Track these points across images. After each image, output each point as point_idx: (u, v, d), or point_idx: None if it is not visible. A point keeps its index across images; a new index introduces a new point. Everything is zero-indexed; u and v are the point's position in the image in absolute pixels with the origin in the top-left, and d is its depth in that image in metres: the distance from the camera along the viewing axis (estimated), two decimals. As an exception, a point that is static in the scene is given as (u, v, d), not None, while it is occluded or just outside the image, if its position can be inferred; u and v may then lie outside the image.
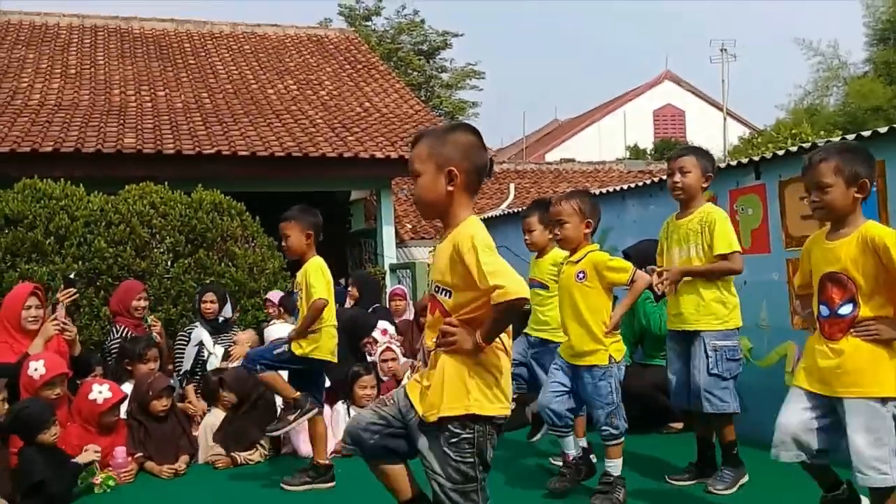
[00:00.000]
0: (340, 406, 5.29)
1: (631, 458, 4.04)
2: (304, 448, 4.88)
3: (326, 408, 5.19)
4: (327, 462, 4.40)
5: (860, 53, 42.33)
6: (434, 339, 2.45)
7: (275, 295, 6.93)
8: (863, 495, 2.99)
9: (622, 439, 3.80)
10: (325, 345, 4.30)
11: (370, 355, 5.85)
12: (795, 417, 2.90)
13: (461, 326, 2.36)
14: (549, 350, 4.35)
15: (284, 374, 4.44)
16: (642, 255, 4.97)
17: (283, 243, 4.49)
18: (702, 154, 4.11)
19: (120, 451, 4.51)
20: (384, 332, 6.04)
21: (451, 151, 2.42)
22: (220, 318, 6.22)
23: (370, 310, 6.74)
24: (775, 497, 3.57)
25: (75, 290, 5.28)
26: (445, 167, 2.40)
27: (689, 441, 4.24)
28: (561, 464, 4.15)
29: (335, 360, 4.39)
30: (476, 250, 2.30)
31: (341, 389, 5.34)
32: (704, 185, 4.02)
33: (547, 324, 4.50)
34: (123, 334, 5.73)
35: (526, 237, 4.70)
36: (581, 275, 3.83)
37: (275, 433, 4.46)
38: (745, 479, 3.94)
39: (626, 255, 5.25)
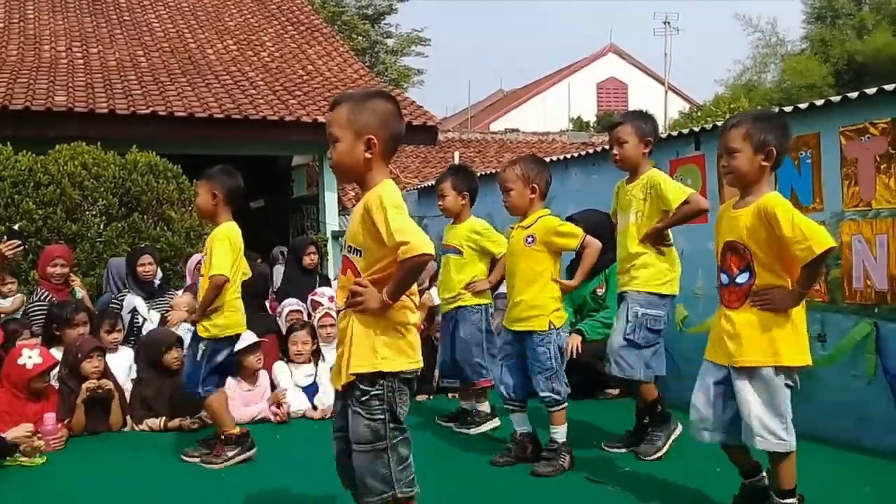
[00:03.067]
0: (279, 365, 5.30)
1: (570, 425, 4.09)
2: (238, 414, 4.83)
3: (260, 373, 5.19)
4: (241, 430, 4.09)
5: (798, 31, 43.38)
6: (344, 300, 2.50)
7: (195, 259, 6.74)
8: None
9: (565, 405, 3.82)
10: (232, 320, 4.01)
11: (309, 319, 5.80)
12: (703, 397, 2.98)
13: (370, 286, 2.41)
14: (465, 314, 4.59)
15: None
16: (589, 224, 5.01)
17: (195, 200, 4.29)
18: (638, 118, 4.07)
19: (49, 418, 4.39)
20: (331, 298, 5.98)
21: (369, 119, 2.48)
22: (156, 282, 6.07)
23: (316, 278, 6.67)
24: (706, 464, 3.65)
25: (20, 242, 5.05)
26: (364, 135, 2.47)
27: (626, 406, 4.32)
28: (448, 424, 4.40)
29: (244, 329, 4.19)
30: (384, 209, 2.37)
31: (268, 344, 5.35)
32: (645, 151, 3.99)
33: (460, 291, 4.61)
34: (44, 298, 5.56)
35: (439, 202, 4.72)
36: (530, 239, 3.84)
37: (210, 466, 4.01)
38: (678, 430, 3.98)
39: (573, 221, 5.28)
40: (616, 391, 5.43)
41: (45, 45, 11.83)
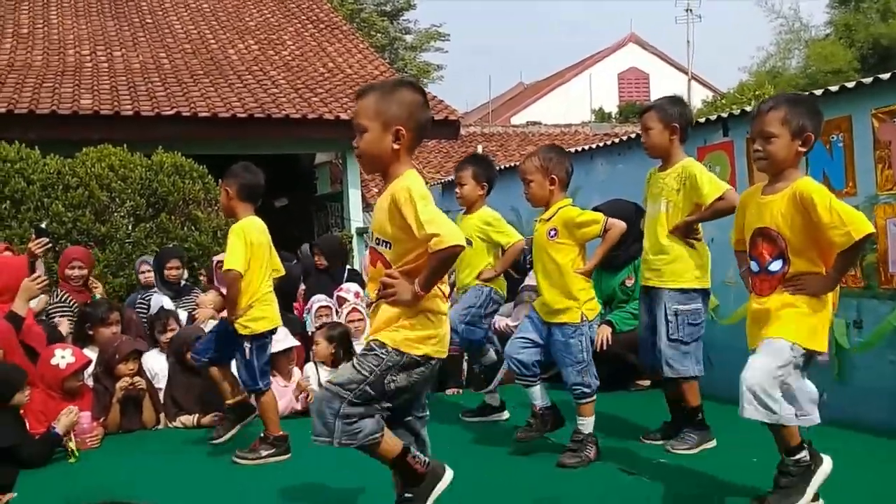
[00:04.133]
0: (308, 367, 5.31)
1: (599, 415, 4.06)
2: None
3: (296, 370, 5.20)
4: (283, 433, 4.09)
5: (821, 16, 42.73)
6: (375, 291, 2.50)
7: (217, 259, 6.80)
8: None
9: (594, 397, 3.79)
10: (266, 314, 4.01)
11: (337, 315, 5.81)
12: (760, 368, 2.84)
13: (401, 278, 2.41)
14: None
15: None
16: (614, 214, 4.97)
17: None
18: (665, 104, 3.97)
19: (85, 417, 4.42)
20: (357, 294, 6.00)
21: (397, 110, 2.47)
22: (182, 281, 6.12)
23: (344, 273, 6.69)
24: (740, 455, 3.60)
25: (48, 241, 5.09)
26: (392, 126, 2.46)
27: (657, 398, 4.27)
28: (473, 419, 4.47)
29: (279, 322, 4.19)
30: (413, 201, 2.37)
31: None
32: (673, 137, 3.88)
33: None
34: (64, 300, 5.59)
35: (457, 190, 4.69)
36: (553, 232, 3.80)
37: (217, 441, 4.16)
38: (712, 444, 3.91)
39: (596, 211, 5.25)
40: (647, 382, 5.39)
41: (69, 49, 11.97)
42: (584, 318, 3.76)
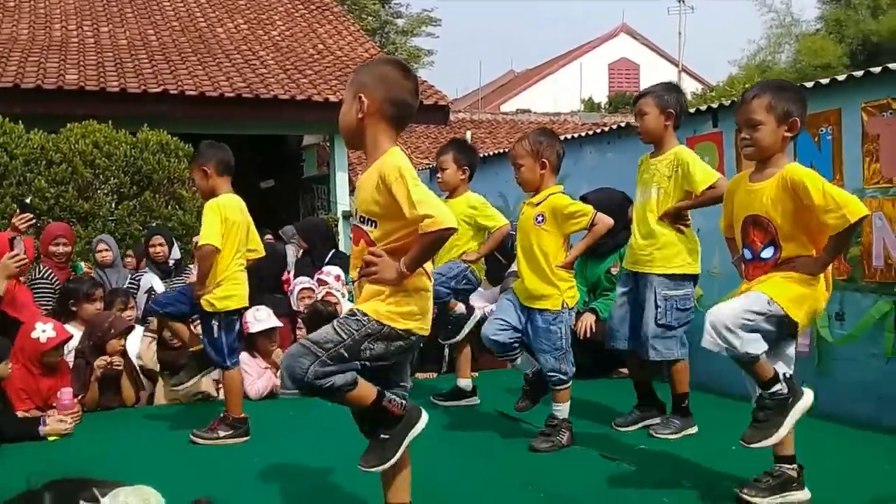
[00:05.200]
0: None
1: (580, 404, 4.08)
2: (251, 391, 4.85)
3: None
4: (242, 416, 4.08)
5: (812, 11, 42.89)
6: (357, 270, 2.46)
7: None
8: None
9: (569, 384, 3.81)
10: (234, 292, 3.98)
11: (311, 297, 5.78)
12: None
13: (384, 256, 2.38)
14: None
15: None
16: (602, 203, 4.96)
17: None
18: (662, 90, 3.95)
19: (66, 393, 4.37)
20: (337, 277, 5.96)
21: (365, 79, 2.47)
22: (171, 261, 6.06)
23: (328, 257, 6.63)
24: (721, 442, 3.61)
25: (32, 216, 5.03)
26: (357, 94, 2.44)
27: (640, 385, 4.27)
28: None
29: (245, 303, 4.14)
30: (404, 180, 2.33)
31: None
32: (668, 123, 3.88)
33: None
34: (46, 276, 5.53)
35: (438, 175, 4.67)
36: (540, 218, 3.78)
37: (180, 387, 4.24)
38: (693, 430, 3.95)
39: (585, 201, 5.23)
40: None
41: (55, 23, 11.81)
42: (565, 306, 3.76)
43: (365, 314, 2.40)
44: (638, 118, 3.96)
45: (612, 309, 4.21)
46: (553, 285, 3.75)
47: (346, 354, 2.37)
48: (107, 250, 6.10)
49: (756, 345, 2.71)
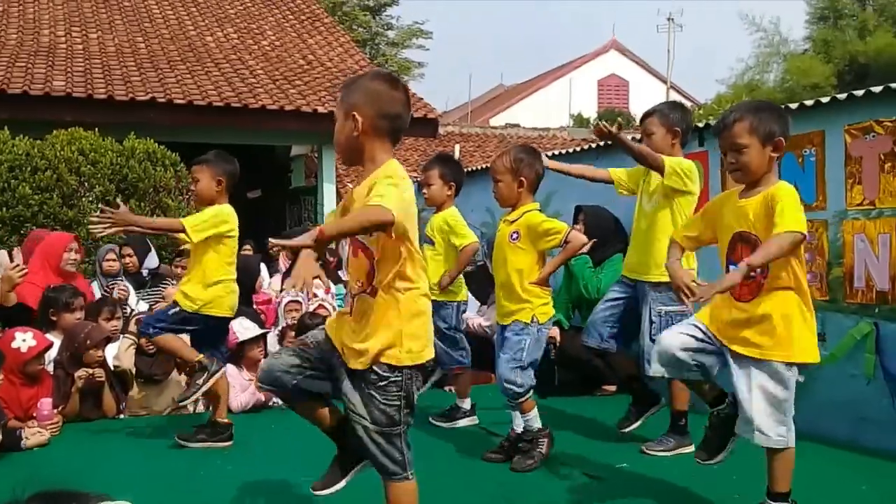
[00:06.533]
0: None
1: (564, 420, 4.07)
2: (234, 403, 4.80)
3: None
4: (226, 421, 4.14)
5: (801, 31, 43.29)
6: (357, 283, 2.46)
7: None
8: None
9: (528, 394, 3.72)
10: (222, 300, 4.04)
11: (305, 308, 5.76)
12: (678, 339, 2.90)
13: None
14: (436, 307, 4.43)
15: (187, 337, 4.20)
16: (594, 217, 5.04)
17: (193, 188, 4.25)
18: (667, 108, 4.05)
19: (46, 403, 4.33)
20: (327, 290, 5.95)
21: (357, 98, 2.47)
22: (145, 272, 6.00)
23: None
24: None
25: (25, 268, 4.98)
26: (350, 112, 2.45)
27: (623, 403, 4.28)
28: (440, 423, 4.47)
29: (230, 314, 4.17)
30: (387, 180, 2.34)
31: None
32: (674, 141, 3.95)
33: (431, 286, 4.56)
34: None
35: (424, 190, 4.63)
36: (514, 235, 3.79)
37: (187, 401, 4.20)
38: (689, 449, 3.87)
39: (579, 212, 5.27)
40: (614, 388, 5.40)
41: (44, 29, 11.75)
42: (535, 320, 3.74)
43: (391, 368, 2.40)
44: (645, 139, 4.00)
45: (595, 307, 4.21)
46: (524, 301, 3.75)
47: (408, 414, 2.46)
48: (115, 260, 6.00)
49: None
